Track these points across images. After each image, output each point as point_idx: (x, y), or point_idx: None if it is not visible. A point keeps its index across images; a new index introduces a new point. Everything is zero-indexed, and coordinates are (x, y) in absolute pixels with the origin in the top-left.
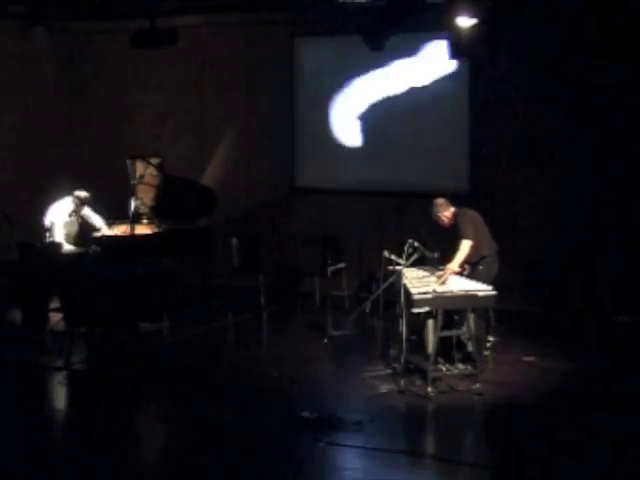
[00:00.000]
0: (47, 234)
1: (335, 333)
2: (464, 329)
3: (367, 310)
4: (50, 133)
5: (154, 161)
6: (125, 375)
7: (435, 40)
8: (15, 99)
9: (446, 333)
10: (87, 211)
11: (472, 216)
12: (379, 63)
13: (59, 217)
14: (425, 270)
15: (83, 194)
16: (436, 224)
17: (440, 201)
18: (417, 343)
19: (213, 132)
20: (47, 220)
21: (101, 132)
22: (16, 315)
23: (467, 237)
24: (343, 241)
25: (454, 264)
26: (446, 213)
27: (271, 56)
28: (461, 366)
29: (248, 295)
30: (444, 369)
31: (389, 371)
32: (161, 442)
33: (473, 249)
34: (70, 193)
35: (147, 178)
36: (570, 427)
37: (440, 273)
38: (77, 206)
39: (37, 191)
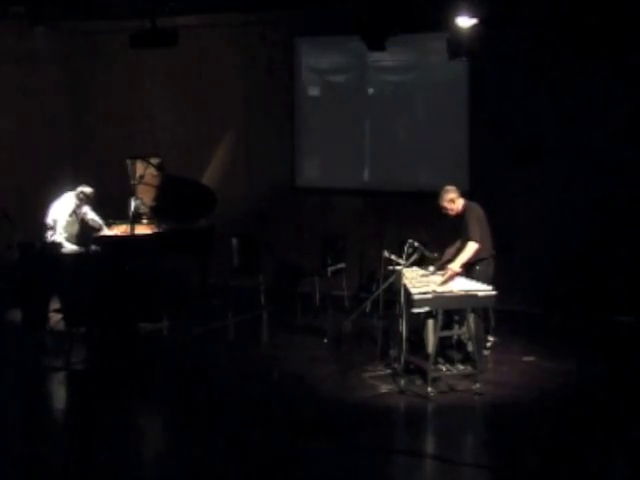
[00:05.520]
0: (49, 233)
1: (335, 333)
2: (464, 329)
3: (367, 310)
4: (50, 133)
5: (154, 161)
6: (125, 375)
7: (435, 40)
8: (15, 99)
9: (446, 333)
10: (87, 209)
11: (480, 214)
12: (379, 63)
13: (61, 216)
14: (425, 270)
15: (88, 190)
16: (439, 215)
17: (453, 189)
18: (417, 343)
19: (213, 132)
20: (49, 218)
21: (101, 132)
22: (16, 315)
23: (475, 239)
24: (343, 241)
25: (456, 264)
26: (456, 203)
27: (271, 56)
28: (461, 366)
29: (248, 295)
30: (444, 369)
31: (389, 371)
32: (161, 442)
33: (476, 250)
34: (71, 191)
35: (147, 178)
36: (570, 427)
37: (441, 272)
38: (81, 201)
39: (37, 191)
